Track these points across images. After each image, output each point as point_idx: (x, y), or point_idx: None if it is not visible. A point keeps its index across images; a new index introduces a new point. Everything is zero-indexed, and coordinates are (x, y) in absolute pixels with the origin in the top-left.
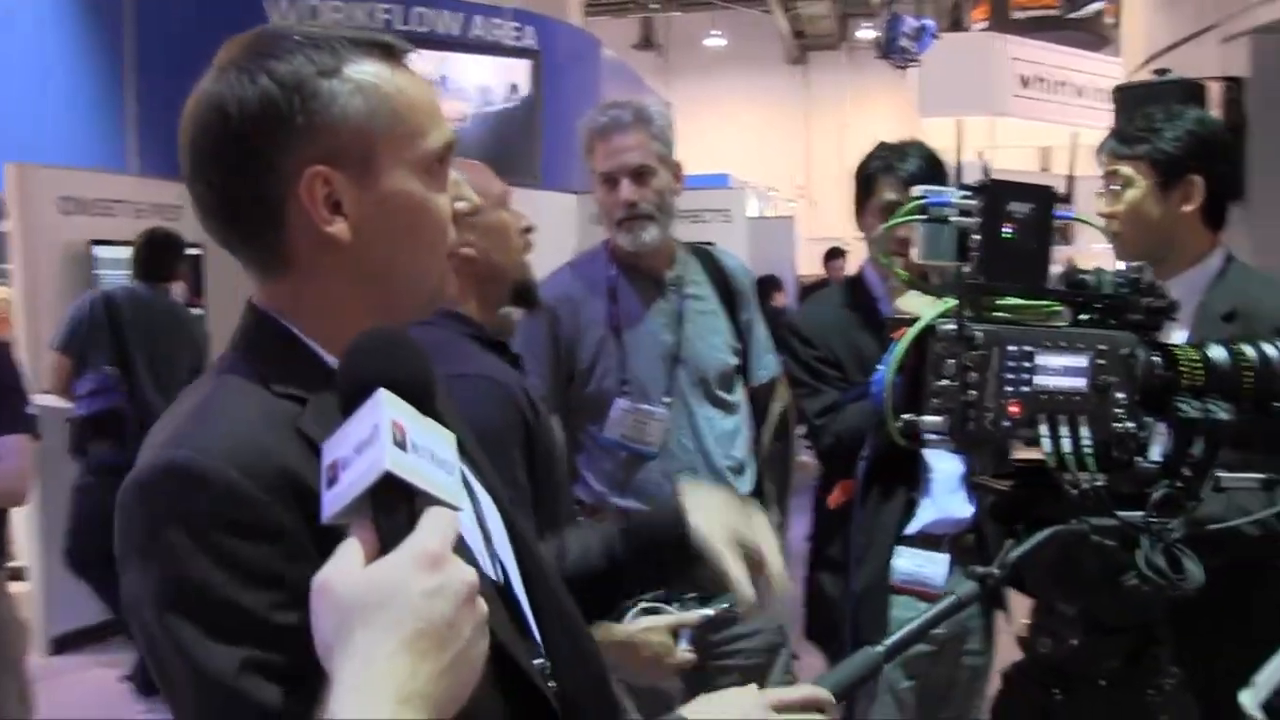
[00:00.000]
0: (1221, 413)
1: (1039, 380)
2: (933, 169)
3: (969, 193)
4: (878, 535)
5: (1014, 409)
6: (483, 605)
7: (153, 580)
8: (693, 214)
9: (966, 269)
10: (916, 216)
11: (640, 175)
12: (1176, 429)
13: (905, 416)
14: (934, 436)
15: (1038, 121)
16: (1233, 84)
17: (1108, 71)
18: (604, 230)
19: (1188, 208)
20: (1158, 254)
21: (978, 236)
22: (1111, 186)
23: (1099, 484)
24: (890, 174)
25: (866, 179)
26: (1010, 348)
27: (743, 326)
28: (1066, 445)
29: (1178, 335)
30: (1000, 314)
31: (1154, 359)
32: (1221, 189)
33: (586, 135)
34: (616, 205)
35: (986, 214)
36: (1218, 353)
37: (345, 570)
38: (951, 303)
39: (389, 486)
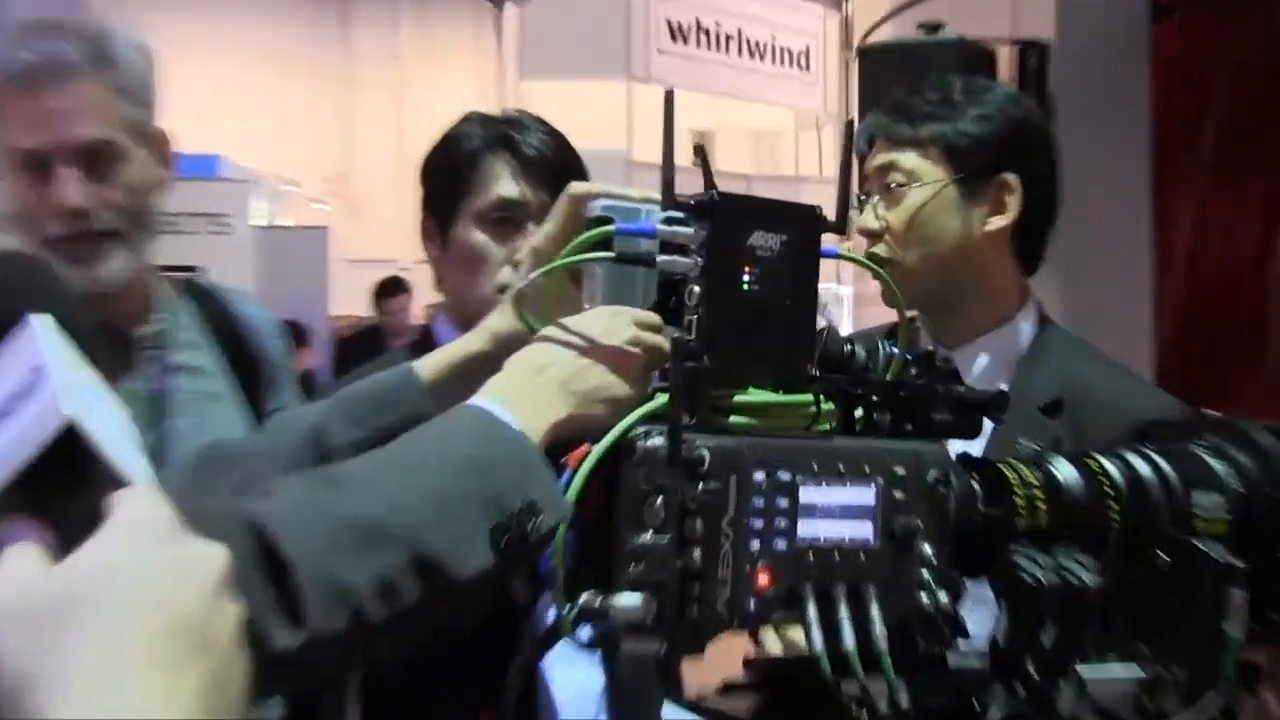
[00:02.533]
0: (1082, 571)
1: (805, 529)
2: (568, 159)
3: (683, 215)
4: None
5: (763, 578)
6: (235, 605)
7: None
8: (164, 219)
9: (683, 338)
10: (597, 254)
11: (94, 159)
12: (1013, 599)
13: (584, 597)
14: (633, 631)
15: (708, 93)
16: (1031, 50)
17: (809, 25)
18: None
19: (997, 222)
20: (947, 295)
21: (698, 288)
22: (885, 183)
23: (899, 699)
24: (502, 156)
25: (453, 168)
26: (758, 476)
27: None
28: (847, 634)
29: (973, 444)
30: (740, 417)
31: (973, 486)
32: (1041, 202)
33: None
34: (47, 212)
35: (714, 251)
36: (1066, 472)
37: (25, 573)
38: (660, 399)
39: (67, 445)
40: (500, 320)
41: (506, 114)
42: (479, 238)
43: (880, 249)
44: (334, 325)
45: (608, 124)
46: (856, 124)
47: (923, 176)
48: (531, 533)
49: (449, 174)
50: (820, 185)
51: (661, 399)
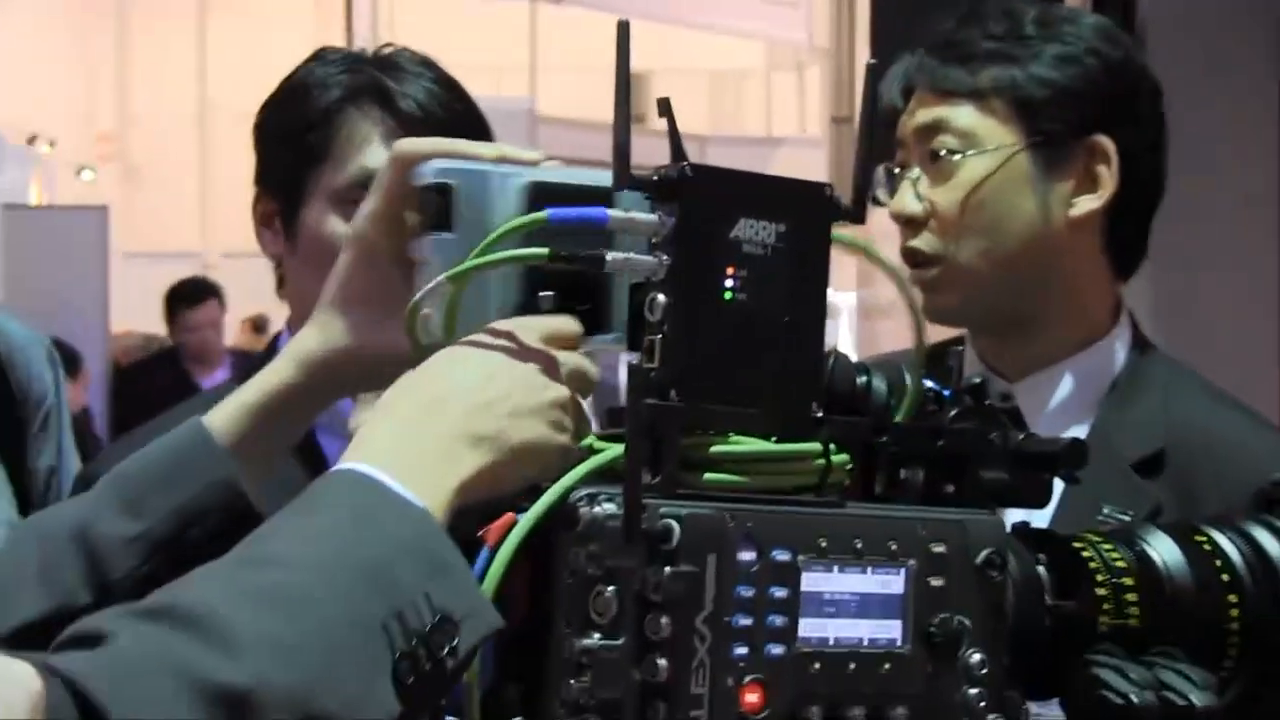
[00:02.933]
0: (1189, 688)
1: (810, 629)
2: (464, 116)
3: (648, 195)
4: None
5: (753, 696)
6: None
7: None
8: None
9: (643, 366)
10: (532, 251)
11: None
12: None
13: None
14: None
15: (645, 19)
16: None
17: None
18: None
19: (1087, 204)
20: (1014, 305)
21: (663, 297)
22: (930, 149)
23: None
24: (372, 113)
25: (302, 129)
26: (745, 556)
27: (39, 479)
28: None
29: (1040, 512)
30: (721, 475)
31: (1039, 571)
32: (1142, 178)
33: None
34: None
35: (685, 247)
36: (1166, 552)
37: None
38: (611, 449)
39: None
40: (311, 338)
41: (377, 52)
42: (339, 226)
43: (922, 241)
44: (115, 347)
45: (503, 63)
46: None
47: (984, 140)
48: (447, 658)
49: (296, 137)
50: (800, 149)
51: (613, 450)
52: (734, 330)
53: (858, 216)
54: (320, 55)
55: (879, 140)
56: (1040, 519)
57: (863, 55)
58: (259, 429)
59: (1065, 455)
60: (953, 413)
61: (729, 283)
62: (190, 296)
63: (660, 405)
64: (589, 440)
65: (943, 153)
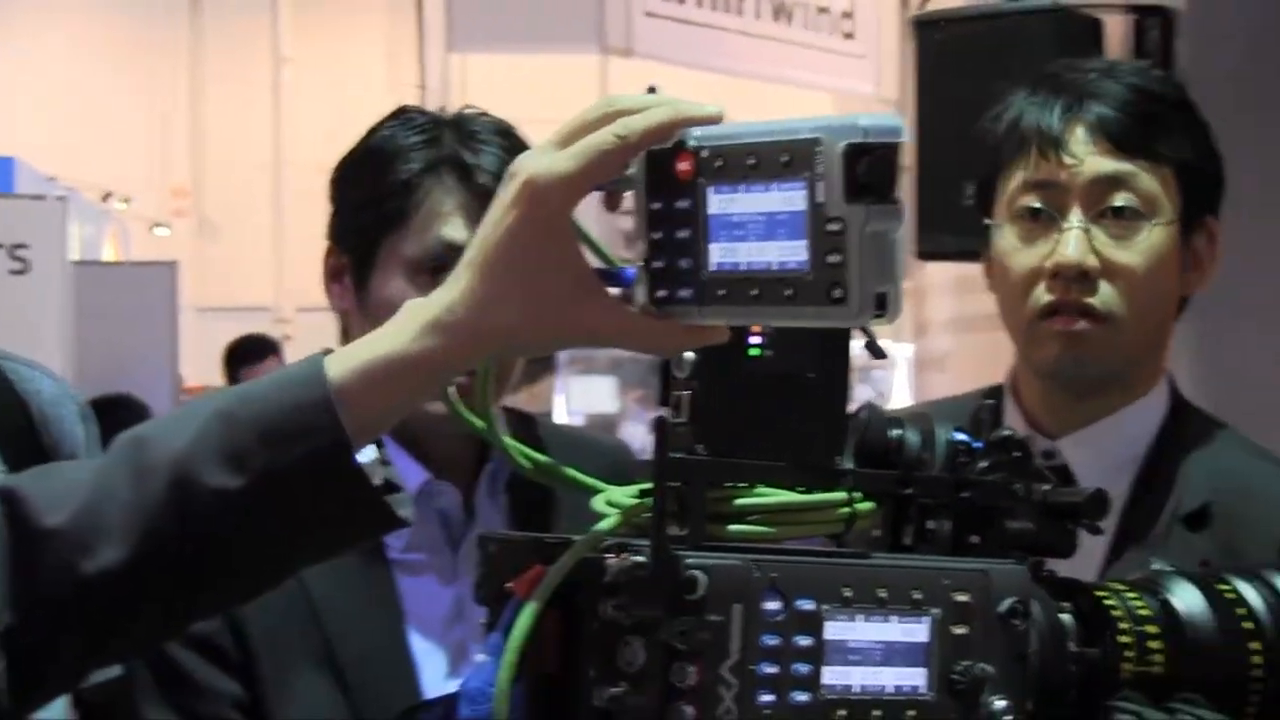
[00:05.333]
0: None
1: (833, 677)
2: None
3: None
4: None
5: None
6: None
7: None
8: None
9: (670, 420)
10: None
11: None
12: None
13: None
14: None
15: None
16: (1152, 19)
17: None
18: None
19: (1195, 286)
20: (1122, 372)
21: (692, 355)
22: (1107, 206)
23: None
24: (449, 185)
25: (381, 196)
26: (771, 605)
27: None
28: None
29: (1083, 564)
30: (747, 526)
31: (1063, 619)
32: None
33: None
34: None
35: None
36: (1189, 601)
37: None
38: (624, 499)
39: None
40: (461, 306)
41: (456, 115)
42: (409, 293)
43: (1101, 298)
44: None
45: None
46: (916, 113)
47: (1161, 211)
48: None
49: (374, 203)
50: None
51: (642, 503)
52: (759, 385)
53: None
54: (401, 116)
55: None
56: (1089, 574)
57: None
58: (383, 394)
59: (1088, 506)
60: (981, 464)
61: (754, 340)
62: (249, 354)
63: (687, 459)
64: (617, 495)
65: (1126, 212)
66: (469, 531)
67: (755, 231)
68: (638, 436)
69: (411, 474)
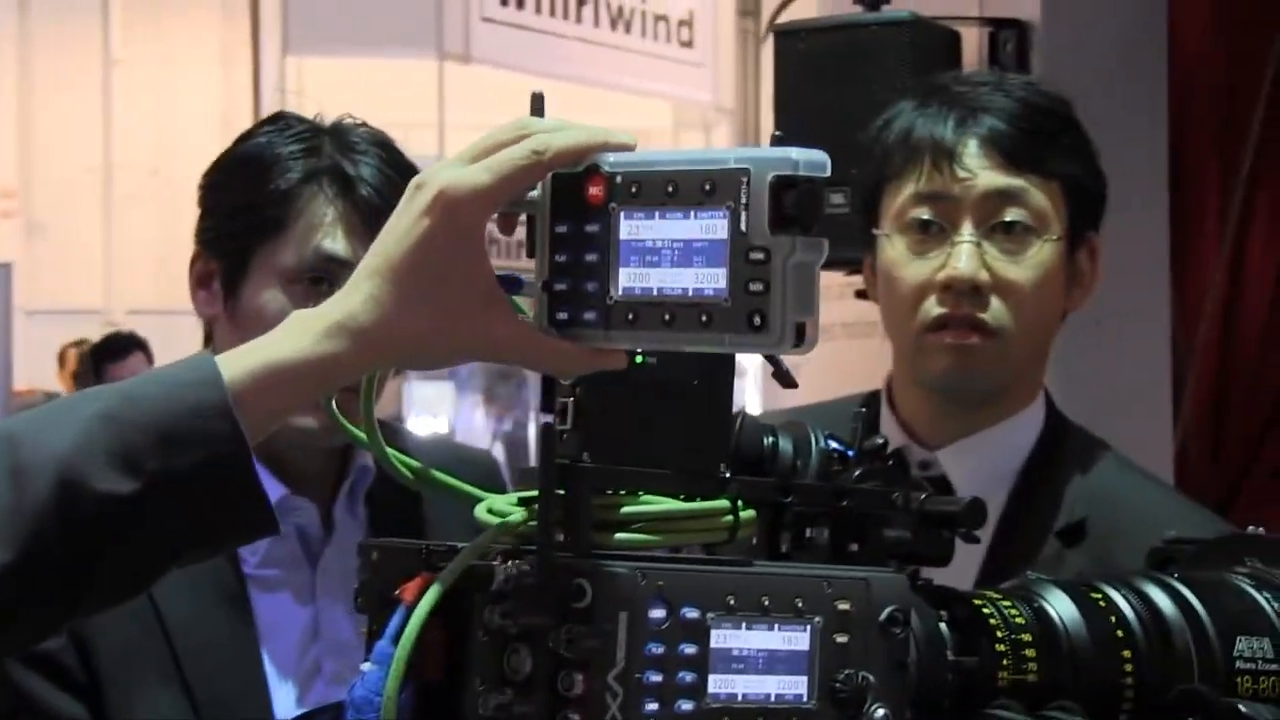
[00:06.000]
0: None
1: (718, 685)
2: (404, 175)
3: None
4: None
5: None
6: None
7: None
8: None
9: (555, 427)
10: None
11: None
12: None
13: None
14: None
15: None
16: (1008, 31)
17: None
18: None
19: (1078, 301)
20: (1007, 386)
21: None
22: (999, 221)
23: None
24: (328, 196)
25: (257, 204)
26: (656, 614)
27: None
28: None
29: (958, 574)
30: (632, 534)
31: (940, 627)
32: None
33: None
34: None
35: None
36: (1063, 609)
37: None
38: (508, 507)
39: None
40: (365, 312)
41: (335, 124)
42: (282, 303)
43: (992, 313)
44: (17, 405)
45: (411, 120)
46: (773, 127)
47: (1050, 227)
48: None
49: (250, 210)
50: None
51: (527, 510)
52: (644, 393)
53: None
54: (278, 122)
55: None
56: (965, 584)
57: (766, 116)
58: (278, 398)
59: (966, 514)
60: (856, 472)
61: (640, 349)
62: (116, 351)
63: (572, 466)
64: (501, 503)
65: (1016, 227)
66: (326, 548)
67: (670, 258)
68: (475, 443)
69: (268, 489)
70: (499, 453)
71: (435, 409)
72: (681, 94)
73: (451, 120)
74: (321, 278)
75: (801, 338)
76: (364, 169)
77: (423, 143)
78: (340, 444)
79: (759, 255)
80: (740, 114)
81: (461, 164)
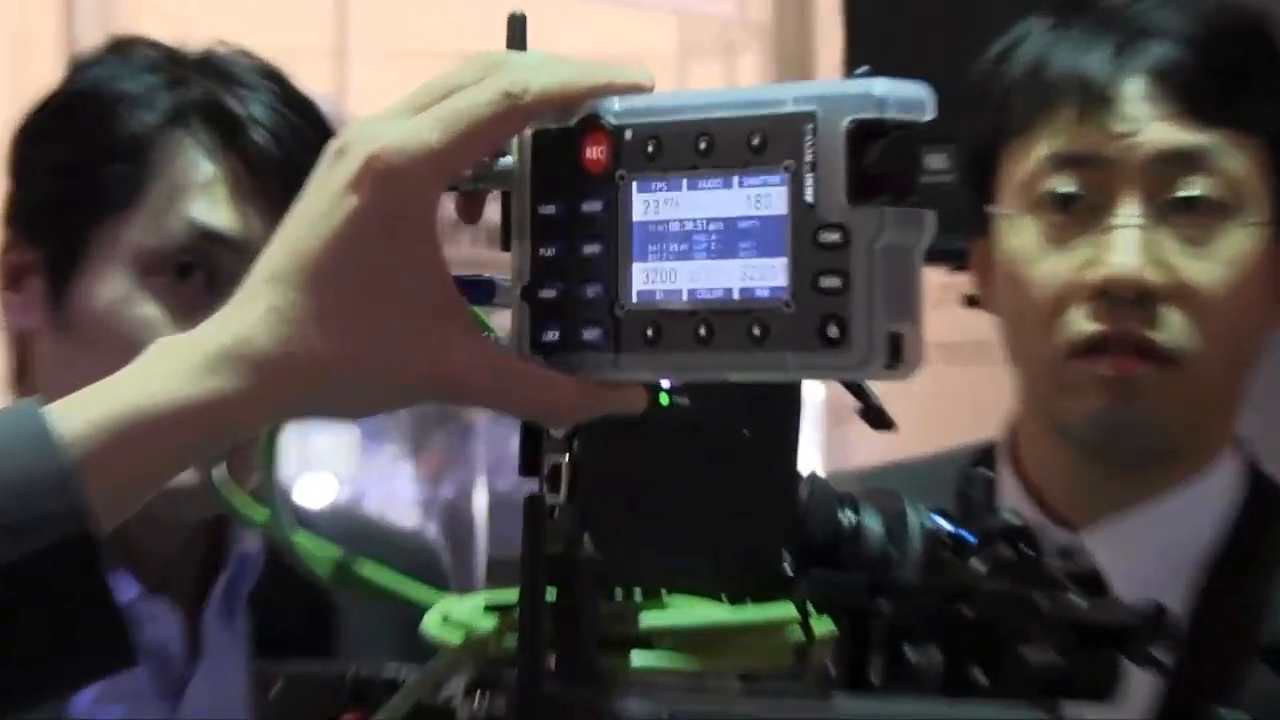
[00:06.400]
0: None
1: None
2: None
3: None
4: None
5: None
6: None
7: None
8: None
9: (542, 498)
10: None
11: None
12: None
13: None
14: None
15: None
16: None
17: None
18: None
19: None
20: (1192, 431)
21: None
22: (1172, 196)
23: None
24: (207, 144)
25: (100, 151)
26: None
27: None
28: None
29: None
30: (655, 654)
31: None
32: None
33: None
34: None
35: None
36: None
37: None
38: (472, 617)
39: None
40: (264, 335)
41: (204, 52)
42: (142, 305)
43: (1168, 331)
44: None
45: (300, 44)
46: (854, 69)
47: (1251, 205)
48: None
49: (84, 170)
50: None
51: (500, 620)
52: (672, 449)
53: None
54: (122, 50)
55: None
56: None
57: (820, 38)
58: (140, 460)
59: (1143, 627)
60: (982, 566)
61: (665, 381)
62: None
63: (568, 557)
64: (461, 610)
65: (1201, 204)
66: (193, 673)
67: (705, 246)
68: (393, 513)
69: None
70: (432, 533)
71: (331, 464)
72: (692, 6)
73: (357, 45)
74: (194, 263)
75: (898, 355)
76: (254, 106)
77: (317, 74)
78: (208, 516)
79: (833, 236)
80: (777, 34)
81: (402, 117)
